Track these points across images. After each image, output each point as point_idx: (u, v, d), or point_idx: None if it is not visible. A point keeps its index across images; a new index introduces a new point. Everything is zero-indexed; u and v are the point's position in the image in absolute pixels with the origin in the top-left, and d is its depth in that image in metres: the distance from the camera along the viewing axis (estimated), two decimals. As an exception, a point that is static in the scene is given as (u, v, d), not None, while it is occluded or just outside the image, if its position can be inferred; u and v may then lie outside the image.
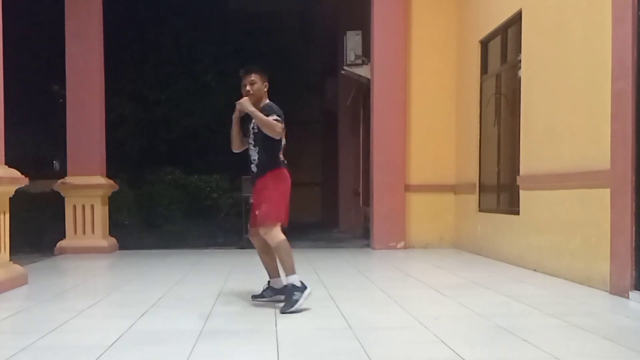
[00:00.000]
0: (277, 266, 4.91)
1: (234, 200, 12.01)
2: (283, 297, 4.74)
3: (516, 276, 6.36)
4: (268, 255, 4.90)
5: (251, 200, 5.00)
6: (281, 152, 4.81)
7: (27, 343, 3.62)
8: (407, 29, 9.32)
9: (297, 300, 4.51)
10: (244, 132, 4.89)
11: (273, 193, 4.70)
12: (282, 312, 4.46)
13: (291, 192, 4.83)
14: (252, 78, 4.80)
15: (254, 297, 4.98)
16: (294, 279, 4.61)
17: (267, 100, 4.84)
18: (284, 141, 4.82)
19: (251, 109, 4.67)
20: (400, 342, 3.73)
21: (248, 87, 4.79)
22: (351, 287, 5.88)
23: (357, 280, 6.37)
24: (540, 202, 6.60)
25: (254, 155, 4.78)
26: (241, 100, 4.74)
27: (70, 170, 9.07)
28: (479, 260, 7.87)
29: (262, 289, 5.00)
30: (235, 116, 4.84)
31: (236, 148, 4.96)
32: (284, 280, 4.70)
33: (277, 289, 4.91)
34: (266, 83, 4.86)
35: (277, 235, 4.64)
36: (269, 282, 4.97)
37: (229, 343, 3.71)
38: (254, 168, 4.79)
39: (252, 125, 4.77)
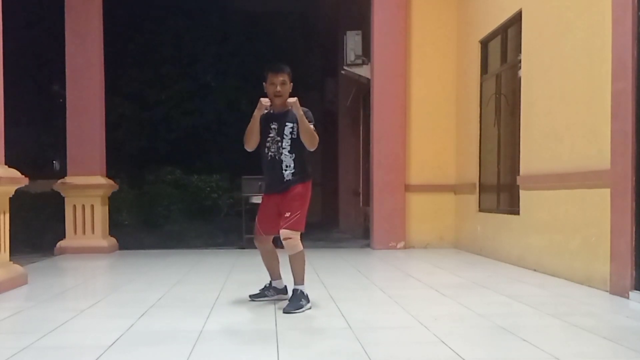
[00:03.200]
0: (279, 269, 4.95)
1: (234, 200, 12.01)
2: (285, 297, 4.80)
3: (516, 276, 6.36)
4: (275, 260, 4.93)
5: (260, 204, 4.93)
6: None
7: (27, 343, 3.62)
8: (407, 29, 9.32)
9: (302, 306, 4.53)
10: (262, 131, 4.65)
11: (305, 202, 4.67)
12: (285, 312, 4.47)
13: None
14: (283, 78, 4.58)
15: (253, 296, 4.98)
16: (304, 288, 4.64)
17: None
18: None
19: (301, 112, 4.47)
20: (400, 342, 3.72)
21: (279, 88, 4.56)
22: (351, 287, 5.88)
23: (357, 280, 6.37)
24: (540, 202, 6.60)
25: (289, 162, 4.58)
26: (294, 100, 4.49)
27: (70, 170, 9.06)
28: (479, 260, 7.87)
29: (260, 289, 5.01)
30: (259, 113, 4.58)
31: (252, 147, 4.69)
32: (292, 284, 4.68)
33: (279, 289, 4.96)
34: (291, 84, 4.66)
35: (299, 244, 4.63)
36: (270, 282, 4.99)
37: (229, 343, 3.71)
38: (288, 176, 4.59)
39: (290, 129, 4.57)
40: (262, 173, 4.86)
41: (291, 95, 4.68)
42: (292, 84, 4.69)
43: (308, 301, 4.62)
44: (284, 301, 4.73)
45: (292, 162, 4.60)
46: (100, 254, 8.77)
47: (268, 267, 4.97)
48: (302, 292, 4.61)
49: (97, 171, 9.06)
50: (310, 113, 4.61)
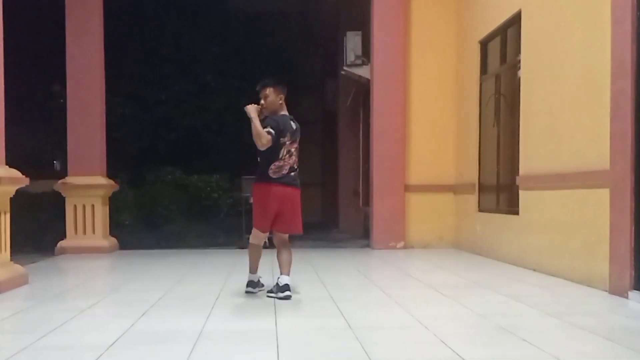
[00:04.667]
0: (281, 263, 5.19)
1: (234, 200, 12.00)
2: (263, 289, 5.29)
3: (516, 276, 6.36)
4: (278, 253, 5.27)
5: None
6: (274, 165, 5.06)
7: (27, 343, 3.63)
8: (407, 29, 9.32)
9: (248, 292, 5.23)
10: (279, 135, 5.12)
11: (255, 203, 5.23)
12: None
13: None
14: (266, 92, 5.10)
15: (268, 292, 5.24)
16: (250, 276, 5.31)
17: (283, 112, 5.14)
18: (283, 153, 5.07)
19: (252, 114, 4.95)
20: (400, 342, 3.73)
21: (262, 101, 5.09)
22: (351, 287, 5.89)
23: (357, 280, 6.38)
24: (540, 202, 6.61)
25: (293, 161, 5.19)
26: (248, 106, 5.02)
27: (70, 170, 9.07)
28: (479, 260, 7.87)
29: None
30: (254, 115, 4.97)
31: (267, 143, 4.90)
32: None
33: (275, 284, 5.20)
34: (281, 95, 5.13)
35: (251, 238, 5.24)
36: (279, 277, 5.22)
37: (229, 343, 3.71)
38: (295, 175, 5.22)
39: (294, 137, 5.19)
40: None
41: (290, 94, 5.20)
42: (282, 95, 5.14)
43: (254, 287, 5.26)
44: (285, 301, 4.84)
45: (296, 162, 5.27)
46: (101, 254, 8.77)
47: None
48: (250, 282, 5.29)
49: (97, 171, 9.07)
50: (273, 120, 5.03)
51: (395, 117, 9.26)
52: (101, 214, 9.00)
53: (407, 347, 3.61)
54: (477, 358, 3.39)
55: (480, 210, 8.54)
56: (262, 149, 4.93)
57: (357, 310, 4.66)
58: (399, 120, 9.26)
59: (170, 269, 7.23)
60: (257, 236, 5.18)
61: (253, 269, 5.28)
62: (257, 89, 5.16)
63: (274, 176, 5.05)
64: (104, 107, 9.34)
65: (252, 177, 9.44)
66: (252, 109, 4.98)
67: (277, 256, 5.19)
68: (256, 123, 4.90)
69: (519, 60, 7.30)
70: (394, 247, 9.20)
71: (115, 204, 9.95)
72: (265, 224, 5.11)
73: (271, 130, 4.92)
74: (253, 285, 5.28)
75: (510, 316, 4.40)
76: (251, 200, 5.35)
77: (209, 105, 13.99)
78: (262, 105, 5.06)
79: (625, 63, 4.95)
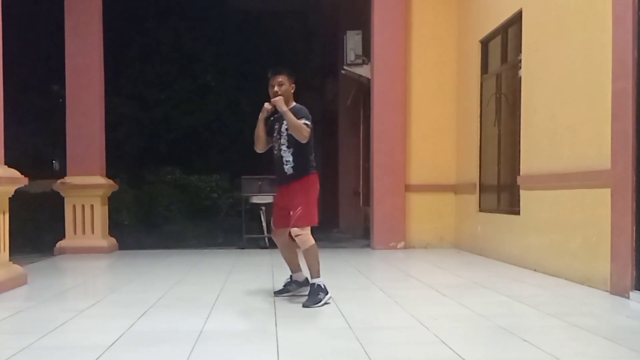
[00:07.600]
0: (298, 261, 5.07)
1: (233, 200, 12.00)
2: (307, 291, 4.86)
3: (516, 276, 6.36)
4: (291, 252, 5.08)
5: (273, 201, 5.11)
6: (312, 155, 4.90)
7: (27, 343, 3.62)
8: (407, 29, 9.31)
9: (320, 300, 4.68)
10: (269, 132, 4.96)
11: (308, 197, 4.82)
12: (304, 307, 4.61)
13: None
14: (280, 79, 4.83)
15: (277, 292, 5.13)
16: (320, 281, 4.77)
17: (294, 103, 4.91)
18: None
19: (285, 108, 4.72)
20: (400, 342, 3.72)
21: (276, 88, 4.82)
22: (351, 287, 5.88)
23: (358, 280, 6.36)
24: (541, 202, 6.60)
25: (288, 157, 4.81)
26: (277, 99, 4.76)
27: (69, 170, 9.06)
28: (479, 260, 7.86)
29: (283, 284, 5.16)
30: (262, 116, 4.89)
31: (261, 148, 5.02)
32: (310, 280, 4.85)
33: (300, 281, 5.08)
34: (293, 85, 4.92)
35: (309, 239, 4.76)
36: (291, 276, 5.13)
37: (229, 343, 3.70)
38: (288, 170, 4.82)
39: (286, 126, 4.79)
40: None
41: (294, 95, 4.95)
42: (294, 84, 4.91)
43: (326, 293, 4.75)
44: (286, 300, 4.80)
45: (291, 156, 4.83)
46: (100, 254, 8.76)
47: (286, 260, 5.12)
48: (318, 286, 4.73)
49: (96, 171, 9.06)
50: (303, 110, 4.80)
51: (396, 116, 9.25)
52: (100, 214, 8.98)
53: (407, 347, 3.60)
54: (477, 358, 3.38)
55: (481, 210, 8.53)
56: (304, 141, 4.73)
57: (357, 310, 4.65)
58: (399, 119, 9.25)
59: (170, 269, 7.22)
60: (310, 234, 4.79)
61: (319, 271, 4.83)
62: (269, 75, 4.87)
63: (315, 166, 4.94)
64: (103, 106, 9.32)
65: (252, 177, 9.59)
66: (282, 101, 4.72)
67: (285, 252, 5.10)
68: (291, 115, 4.69)
69: (520, 60, 7.29)
70: (395, 247, 9.19)
71: (114, 204, 9.95)
72: (318, 217, 4.87)
73: (307, 122, 4.71)
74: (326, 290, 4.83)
75: (510, 316, 4.39)
76: (305, 196, 4.79)
77: (209, 105, 14.00)
78: (277, 93, 4.77)
79: (626, 62, 4.94)
